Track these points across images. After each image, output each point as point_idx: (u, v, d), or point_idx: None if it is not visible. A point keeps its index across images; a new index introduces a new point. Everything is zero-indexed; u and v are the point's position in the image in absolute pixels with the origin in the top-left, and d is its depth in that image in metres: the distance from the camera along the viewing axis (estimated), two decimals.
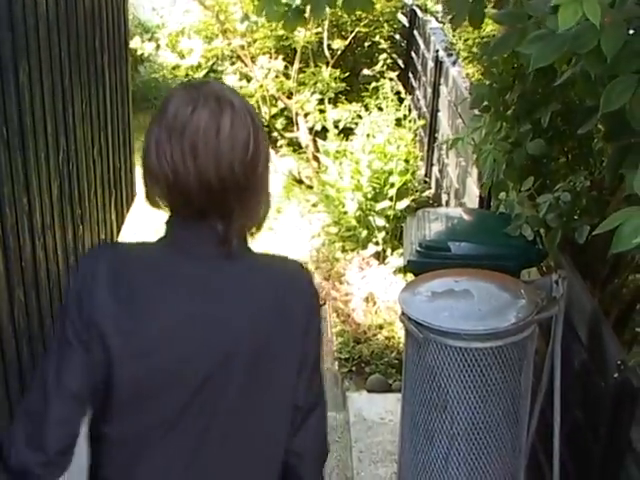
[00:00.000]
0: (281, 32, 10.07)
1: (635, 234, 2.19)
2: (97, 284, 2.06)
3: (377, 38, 10.80)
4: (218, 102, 2.02)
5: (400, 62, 11.02)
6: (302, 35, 9.69)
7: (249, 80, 10.09)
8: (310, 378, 2.33)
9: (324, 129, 9.26)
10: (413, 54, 10.66)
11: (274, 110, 10.15)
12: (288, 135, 10.19)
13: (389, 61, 10.53)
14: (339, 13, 10.41)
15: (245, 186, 2.05)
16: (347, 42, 10.28)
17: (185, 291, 2.10)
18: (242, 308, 2.13)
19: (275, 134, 10.31)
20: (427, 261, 4.20)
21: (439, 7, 10.58)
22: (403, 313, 3.72)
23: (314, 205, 9.37)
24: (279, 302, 2.19)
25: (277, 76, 9.97)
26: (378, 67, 10.26)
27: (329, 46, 10.15)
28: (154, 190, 2.10)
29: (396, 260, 7.45)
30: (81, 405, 2.09)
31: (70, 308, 2.07)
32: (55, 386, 2.04)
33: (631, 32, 2.84)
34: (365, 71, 10.45)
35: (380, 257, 7.68)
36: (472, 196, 6.54)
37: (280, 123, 10.25)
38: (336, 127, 8.86)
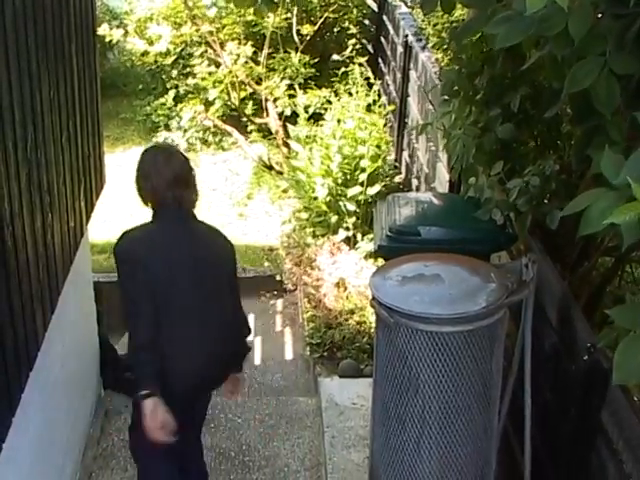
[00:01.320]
0: (250, 18, 10.06)
1: (603, 216, 2.19)
2: (142, 260, 4.05)
3: (346, 23, 10.80)
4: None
5: (369, 47, 11.01)
6: (271, 21, 9.67)
7: (218, 66, 10.07)
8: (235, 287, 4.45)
9: (294, 114, 9.25)
10: (382, 39, 10.65)
11: (243, 94, 10.13)
12: (258, 121, 10.17)
13: (358, 46, 10.53)
14: None
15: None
16: (316, 27, 10.26)
17: (181, 241, 4.20)
18: (208, 249, 4.29)
19: (244, 119, 10.29)
20: (397, 246, 4.22)
21: None
22: (374, 298, 3.73)
23: (284, 191, 9.37)
24: (221, 246, 4.40)
25: (246, 62, 9.96)
26: (347, 52, 10.26)
27: (298, 31, 10.13)
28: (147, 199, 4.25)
29: (367, 245, 7.46)
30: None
31: (138, 280, 4.03)
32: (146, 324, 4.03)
33: (599, 15, 2.86)
34: (334, 56, 10.44)
35: (351, 242, 7.69)
36: (442, 181, 6.56)
37: (250, 108, 10.23)
38: (306, 112, 8.85)
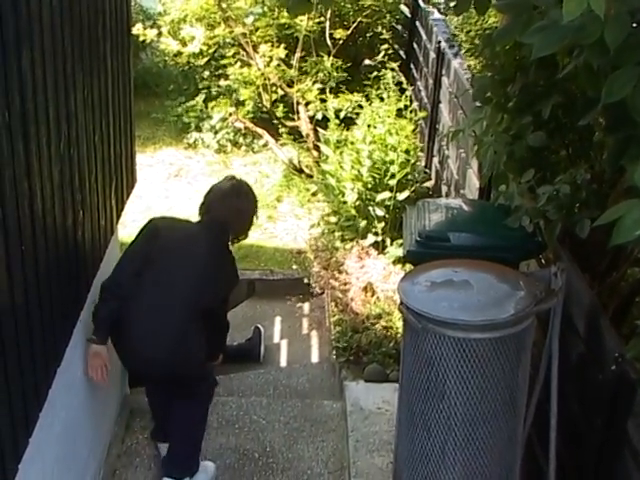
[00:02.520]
0: (283, 20, 10.07)
1: (636, 226, 2.19)
2: (158, 233, 4.88)
3: (379, 28, 10.77)
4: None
5: (402, 53, 10.99)
6: (304, 24, 9.68)
7: (250, 68, 10.08)
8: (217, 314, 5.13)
9: (325, 118, 9.25)
10: (415, 45, 10.63)
11: (274, 97, 10.14)
12: (289, 124, 10.18)
13: (390, 52, 10.50)
14: (342, 3, 10.43)
15: None
16: (349, 32, 10.24)
17: (194, 244, 4.93)
18: (205, 269, 4.87)
19: (275, 122, 10.30)
20: (426, 251, 4.21)
21: None
22: (402, 303, 3.73)
23: (314, 194, 9.37)
24: (216, 279, 4.94)
25: (279, 64, 9.96)
26: (379, 57, 10.23)
27: (331, 35, 10.12)
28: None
29: (395, 250, 7.45)
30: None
31: (147, 239, 4.88)
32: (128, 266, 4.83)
33: (634, 25, 2.85)
34: (367, 61, 10.43)
35: (379, 247, 7.68)
36: (472, 188, 6.54)
37: (281, 111, 10.24)
38: (337, 117, 8.85)
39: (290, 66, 9.98)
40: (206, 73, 10.89)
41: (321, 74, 9.97)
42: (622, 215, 2.32)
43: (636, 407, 3.20)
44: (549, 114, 4.04)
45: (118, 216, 5.16)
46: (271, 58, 9.87)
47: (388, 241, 7.67)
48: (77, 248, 4.23)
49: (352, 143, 8.12)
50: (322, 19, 10.13)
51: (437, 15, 9.66)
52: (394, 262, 7.40)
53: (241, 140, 10.72)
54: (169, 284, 4.80)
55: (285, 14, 9.60)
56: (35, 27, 3.40)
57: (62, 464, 4.38)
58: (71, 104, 3.98)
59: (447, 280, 3.81)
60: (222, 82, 10.52)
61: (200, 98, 10.85)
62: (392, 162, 7.72)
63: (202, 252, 4.91)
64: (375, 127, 8.04)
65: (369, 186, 7.78)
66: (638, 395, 3.07)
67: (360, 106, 8.87)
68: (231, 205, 5.00)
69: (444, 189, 7.99)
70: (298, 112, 10.01)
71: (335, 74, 9.97)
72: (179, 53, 10.36)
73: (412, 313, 3.63)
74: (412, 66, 10.65)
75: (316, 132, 9.51)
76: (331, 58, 10.03)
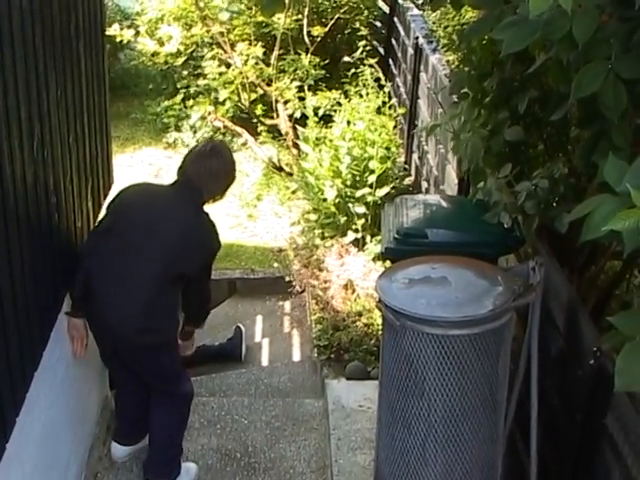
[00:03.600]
0: (260, 19, 10.03)
1: (604, 222, 2.18)
2: (122, 202, 4.73)
3: (357, 25, 10.76)
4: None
5: (380, 49, 10.99)
6: (282, 22, 9.66)
7: (228, 67, 10.06)
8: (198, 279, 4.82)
9: (304, 116, 9.23)
10: (393, 41, 10.63)
11: (253, 96, 10.12)
12: (268, 122, 10.15)
13: (369, 48, 10.48)
14: (319, 0, 10.41)
15: None
16: (327, 29, 10.21)
17: (166, 206, 4.71)
18: (176, 232, 4.61)
19: (254, 120, 10.28)
20: (404, 248, 4.20)
21: None
22: (380, 300, 3.72)
23: (294, 192, 9.36)
24: (190, 240, 4.65)
25: (257, 63, 9.93)
26: (358, 54, 10.22)
27: (309, 33, 10.11)
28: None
29: (375, 247, 7.44)
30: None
31: (111, 210, 4.75)
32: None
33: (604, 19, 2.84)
34: (345, 58, 10.42)
35: (359, 244, 7.67)
36: (451, 183, 6.54)
37: (260, 109, 10.21)
38: (316, 114, 8.83)
39: (268, 64, 9.95)
40: (184, 73, 10.85)
41: (299, 72, 9.94)
42: (592, 210, 2.32)
43: (615, 400, 3.20)
44: (525, 109, 4.04)
45: (95, 218, 5.12)
46: (249, 57, 9.85)
47: (368, 238, 7.65)
48: (53, 250, 4.20)
49: (331, 140, 8.10)
50: (300, 17, 10.11)
51: (415, 11, 9.65)
52: (374, 259, 7.38)
53: (220, 139, 10.68)
54: (136, 251, 4.59)
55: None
56: (4, 27, 3.37)
57: (42, 467, 4.35)
58: (44, 104, 3.94)
59: (425, 277, 3.81)
60: (201, 81, 10.48)
61: (179, 98, 10.81)
62: (371, 158, 7.71)
63: (172, 216, 4.70)
64: (354, 124, 8.03)
65: (348, 183, 7.76)
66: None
67: (339, 103, 8.86)
68: (204, 165, 4.75)
69: (424, 185, 7.99)
70: (277, 110, 9.99)
71: (313, 72, 9.95)
72: (157, 53, 10.34)
73: (390, 311, 3.62)
74: (391, 62, 10.64)
75: (295, 130, 9.48)
76: (309, 56, 10.01)
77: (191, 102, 10.60)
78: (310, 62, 9.97)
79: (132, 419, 5.24)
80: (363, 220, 7.70)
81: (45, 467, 4.40)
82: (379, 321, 6.36)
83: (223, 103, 10.23)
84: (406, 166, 8.85)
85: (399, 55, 10.04)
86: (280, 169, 9.86)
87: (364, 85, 8.83)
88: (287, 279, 7.65)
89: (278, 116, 9.98)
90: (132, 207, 4.72)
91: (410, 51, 9.02)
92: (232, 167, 4.92)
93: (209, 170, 4.73)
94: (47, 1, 3.99)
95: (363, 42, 10.47)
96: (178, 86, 10.92)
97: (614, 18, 2.85)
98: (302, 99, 9.58)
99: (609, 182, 2.34)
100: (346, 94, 9.04)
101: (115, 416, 5.44)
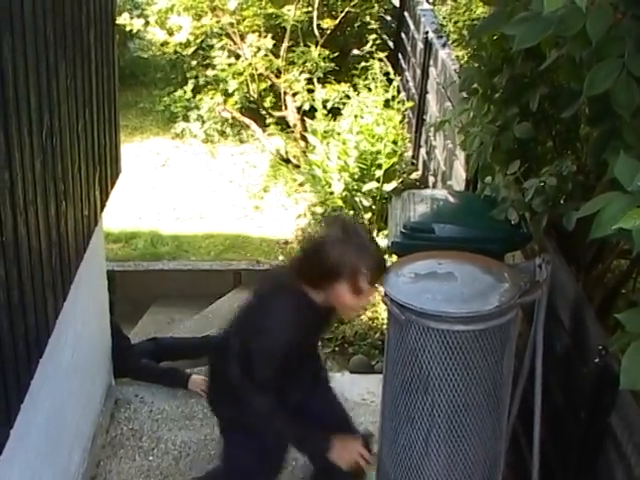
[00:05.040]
0: (271, 10, 10.03)
1: (614, 220, 2.18)
2: None
3: (367, 18, 10.76)
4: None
5: (390, 43, 10.98)
6: (292, 14, 9.65)
7: (237, 58, 10.05)
8: None
9: (312, 109, 9.23)
10: (403, 35, 10.62)
11: (262, 86, 10.12)
12: (276, 114, 10.15)
13: (378, 42, 10.49)
14: None
15: None
16: (337, 22, 10.21)
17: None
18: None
19: (263, 112, 10.27)
20: (411, 243, 4.20)
21: None
22: (386, 294, 3.71)
23: (301, 185, 9.35)
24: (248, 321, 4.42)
25: (266, 55, 9.93)
26: (367, 47, 10.22)
27: (319, 25, 10.10)
28: None
29: (381, 241, 7.42)
30: None
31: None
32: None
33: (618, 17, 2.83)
34: (354, 51, 10.41)
35: None
36: (459, 179, 6.54)
37: (269, 101, 10.22)
38: (324, 107, 8.83)
39: (277, 56, 9.95)
40: (194, 63, 10.85)
41: (308, 64, 9.94)
42: (601, 208, 2.31)
43: (619, 399, 3.20)
44: (536, 105, 4.03)
45: (102, 206, 5.11)
46: (258, 48, 9.84)
47: (375, 232, 7.65)
48: (60, 239, 4.20)
49: (339, 134, 8.10)
50: (310, 9, 10.11)
51: (425, 5, 9.65)
52: None
53: (228, 130, 10.68)
54: None
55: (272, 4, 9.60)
56: (16, 16, 3.36)
57: (45, 455, 4.35)
58: (53, 93, 3.94)
59: (431, 272, 3.80)
60: (210, 72, 10.48)
61: (188, 88, 10.81)
62: (379, 152, 7.71)
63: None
64: (362, 117, 8.02)
65: (356, 177, 7.77)
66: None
67: (347, 96, 8.86)
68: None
69: (431, 180, 7.99)
70: (285, 102, 9.98)
71: (322, 64, 9.95)
72: (166, 43, 10.33)
73: (396, 305, 3.62)
74: (400, 56, 10.64)
75: (303, 122, 9.48)
76: (318, 48, 10.01)
77: (200, 93, 10.60)
78: (319, 55, 9.97)
79: None
80: (370, 214, 7.70)
81: (48, 454, 4.41)
82: (384, 315, 6.36)
83: (232, 94, 10.24)
84: (414, 161, 8.86)
85: (409, 49, 10.04)
86: (287, 161, 9.86)
87: (373, 79, 8.83)
88: None
89: (286, 108, 9.97)
90: None
91: (420, 45, 9.01)
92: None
93: None
94: None
95: (373, 36, 10.48)
96: (187, 76, 10.93)
97: (628, 16, 2.84)
98: (311, 91, 9.58)
99: (620, 180, 2.34)
100: (355, 87, 9.05)
101: None
